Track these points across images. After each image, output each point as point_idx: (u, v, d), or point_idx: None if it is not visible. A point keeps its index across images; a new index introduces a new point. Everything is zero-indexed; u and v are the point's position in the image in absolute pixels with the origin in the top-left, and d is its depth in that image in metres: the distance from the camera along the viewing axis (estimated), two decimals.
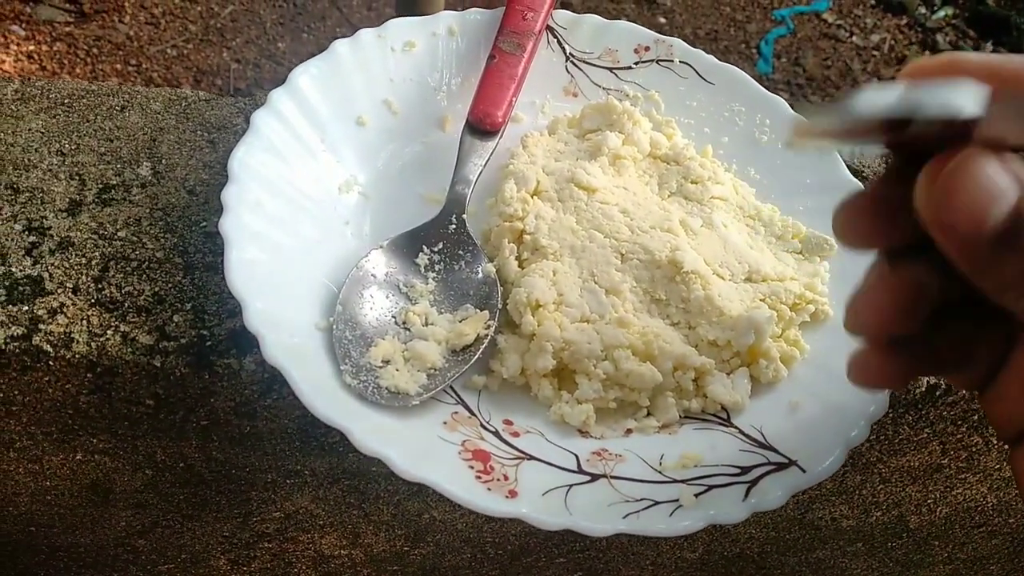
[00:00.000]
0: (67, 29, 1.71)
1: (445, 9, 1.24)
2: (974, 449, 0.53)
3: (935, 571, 0.70)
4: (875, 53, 2.06)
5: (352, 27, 1.83)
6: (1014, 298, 0.25)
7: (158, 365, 0.42)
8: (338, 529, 0.57)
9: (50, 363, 0.41)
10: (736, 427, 0.41)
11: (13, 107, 0.50)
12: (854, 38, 2.08)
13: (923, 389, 0.47)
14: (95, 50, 1.69)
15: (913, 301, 0.28)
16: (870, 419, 0.40)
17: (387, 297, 0.43)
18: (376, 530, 0.57)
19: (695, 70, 0.54)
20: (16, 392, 0.43)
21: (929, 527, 0.63)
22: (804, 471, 0.38)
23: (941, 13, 2.14)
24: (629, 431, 0.41)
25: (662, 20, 1.99)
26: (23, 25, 1.69)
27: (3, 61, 1.63)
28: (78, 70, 1.65)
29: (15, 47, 1.66)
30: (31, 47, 1.67)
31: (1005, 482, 0.58)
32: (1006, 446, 0.30)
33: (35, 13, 1.72)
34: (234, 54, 1.75)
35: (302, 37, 1.80)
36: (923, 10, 2.16)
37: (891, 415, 0.48)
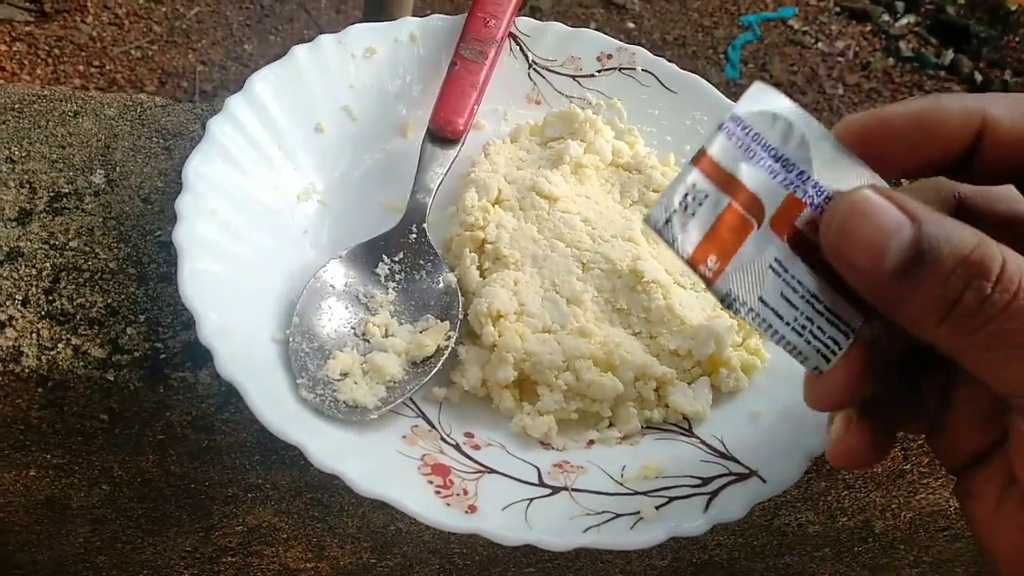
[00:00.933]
0: (27, 29, 1.68)
1: (414, 13, 1.24)
2: (934, 455, 0.54)
3: (902, 574, 0.71)
4: (840, 59, 2.08)
5: (320, 29, 1.82)
6: (925, 329, 0.25)
7: (111, 379, 0.41)
8: (303, 542, 0.56)
9: None
10: (697, 437, 0.41)
11: None
12: (819, 44, 2.10)
13: None
14: (56, 51, 1.66)
15: (866, 361, 0.28)
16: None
17: (346, 308, 0.42)
18: (341, 543, 0.56)
19: (657, 78, 0.54)
20: None
21: (894, 531, 0.63)
22: (764, 481, 0.38)
23: (904, 21, 2.18)
24: (591, 442, 0.40)
25: (631, 25, 2.00)
26: None
27: None
28: (39, 71, 1.62)
29: None
30: None
31: None
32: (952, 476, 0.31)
33: None
34: (200, 56, 1.73)
35: (269, 39, 1.79)
36: (886, 17, 2.19)
37: None
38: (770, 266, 0.27)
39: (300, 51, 0.49)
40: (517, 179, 0.47)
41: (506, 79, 0.53)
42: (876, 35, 2.16)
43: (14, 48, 1.64)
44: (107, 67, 1.65)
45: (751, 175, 0.27)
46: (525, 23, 0.55)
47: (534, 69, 0.54)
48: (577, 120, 0.50)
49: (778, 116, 0.27)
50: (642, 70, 0.54)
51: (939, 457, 0.31)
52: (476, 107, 0.49)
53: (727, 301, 0.27)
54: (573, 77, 0.54)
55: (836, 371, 0.28)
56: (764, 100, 0.27)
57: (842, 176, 0.27)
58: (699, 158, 0.27)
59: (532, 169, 0.48)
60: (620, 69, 0.54)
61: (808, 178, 0.27)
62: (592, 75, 0.54)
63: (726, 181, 0.27)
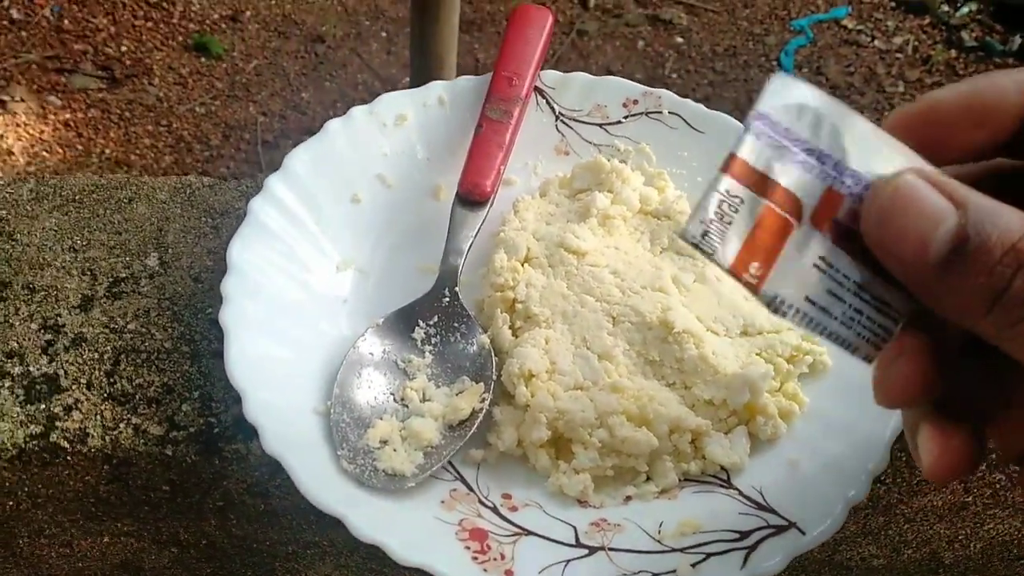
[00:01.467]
0: (100, 95, 1.77)
1: (459, 64, 1.26)
2: (998, 486, 0.52)
3: None
4: (899, 56, 2.02)
5: (373, 72, 1.87)
6: (971, 320, 0.24)
7: (170, 454, 0.43)
8: None
9: (68, 458, 0.43)
10: (736, 488, 0.41)
11: (28, 207, 0.52)
12: (876, 42, 2.05)
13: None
14: (127, 114, 1.76)
15: (934, 349, 0.27)
16: (871, 475, 0.39)
17: (384, 375, 0.43)
18: None
19: (684, 120, 0.54)
20: (40, 485, 0.45)
21: (965, 562, 0.61)
22: (803, 533, 0.38)
23: (965, 9, 2.10)
24: (628, 498, 0.41)
25: (679, 40, 1.98)
26: (59, 95, 1.76)
27: (42, 132, 1.70)
28: (112, 134, 1.71)
29: (53, 117, 1.73)
30: (67, 116, 1.73)
31: None
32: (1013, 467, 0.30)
33: (70, 82, 1.79)
34: (260, 107, 1.80)
35: (325, 86, 1.84)
36: (946, 7, 2.12)
37: (904, 458, 0.47)
38: (815, 264, 0.26)
39: (334, 125, 0.51)
40: (546, 235, 0.48)
41: (534, 133, 0.54)
42: (936, 27, 2.09)
43: (89, 114, 1.74)
44: (174, 125, 1.73)
45: (786, 173, 0.26)
46: (549, 76, 0.56)
47: (561, 120, 0.55)
48: (604, 170, 0.50)
49: (805, 107, 0.26)
50: (668, 112, 0.55)
51: (999, 446, 0.29)
52: (503, 167, 0.50)
53: (773, 305, 0.26)
54: (600, 125, 0.55)
55: (906, 363, 0.27)
56: (788, 93, 0.26)
57: (880, 161, 0.26)
58: (729, 163, 0.26)
59: (561, 224, 0.49)
60: (647, 113, 0.55)
61: (845, 168, 0.26)
62: (619, 121, 0.55)
63: (760, 183, 0.26)
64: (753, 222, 0.26)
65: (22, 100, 1.73)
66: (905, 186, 0.25)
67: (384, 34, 1.95)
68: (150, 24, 1.89)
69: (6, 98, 1.73)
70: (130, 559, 0.52)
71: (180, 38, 1.88)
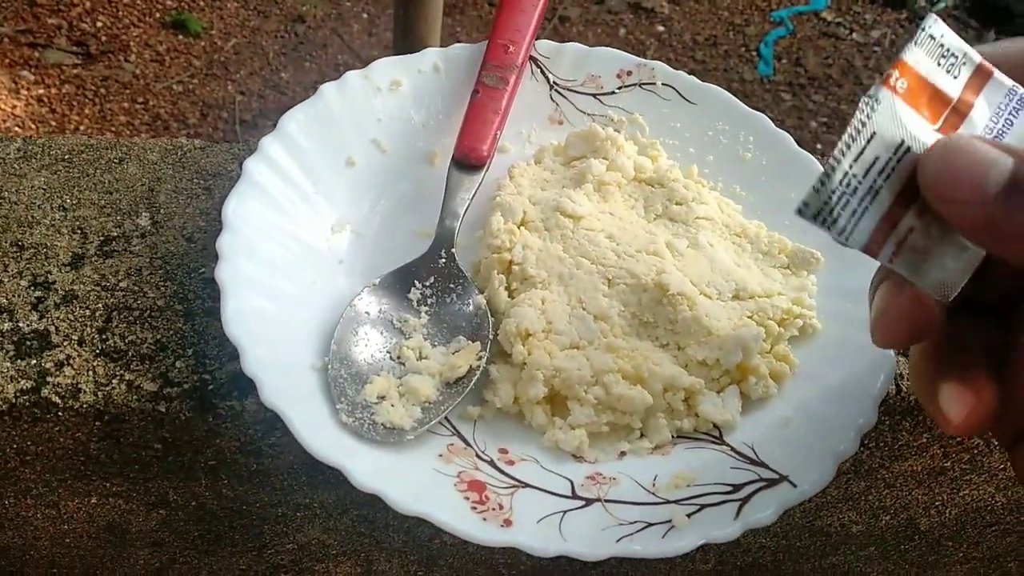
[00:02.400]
0: (75, 71, 1.75)
1: (443, 32, 1.26)
2: (976, 451, 0.53)
3: (952, 571, 0.70)
4: (876, 49, 2.05)
5: (353, 53, 1.86)
6: None
7: (163, 411, 0.43)
8: (351, 558, 0.58)
9: (59, 414, 0.43)
10: (728, 444, 0.41)
11: (16, 166, 0.51)
12: (854, 35, 2.08)
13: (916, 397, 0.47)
14: (103, 90, 1.73)
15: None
16: (859, 431, 0.40)
17: (381, 333, 0.44)
18: (389, 557, 0.58)
19: (677, 91, 0.55)
20: (29, 442, 0.45)
21: (940, 528, 0.63)
22: (795, 486, 0.38)
23: (941, 4, 2.14)
24: (623, 454, 0.41)
25: (660, 28, 2.00)
26: (32, 70, 1.73)
27: (15, 107, 1.67)
28: (87, 111, 1.69)
29: (25, 92, 1.70)
30: (40, 91, 1.70)
31: (1011, 481, 0.58)
32: (1006, 450, 0.30)
33: (43, 57, 1.76)
34: (239, 86, 1.78)
35: (304, 66, 1.83)
36: (923, 2, 2.15)
37: (888, 423, 0.49)
38: (901, 140, 0.27)
39: (329, 89, 0.51)
40: (542, 200, 0.48)
41: (529, 101, 0.55)
42: (913, 21, 2.13)
43: (64, 90, 1.71)
44: (151, 103, 1.71)
45: (980, 110, 0.28)
46: (544, 45, 0.56)
47: (555, 90, 0.55)
48: (598, 138, 0.51)
49: None
50: (662, 84, 0.55)
51: (992, 431, 0.30)
52: (499, 132, 0.51)
53: (867, 103, 0.27)
54: (594, 95, 0.55)
55: (908, 299, 0.28)
56: None
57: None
58: (980, 70, 0.28)
59: (556, 189, 0.49)
60: (640, 85, 0.55)
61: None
62: (613, 92, 0.55)
63: (972, 92, 0.28)
64: (935, 83, 0.28)
65: None
66: (957, 140, 0.26)
67: (365, 15, 1.94)
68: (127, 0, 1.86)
69: None
70: (116, 521, 0.52)
71: (157, 15, 1.86)
